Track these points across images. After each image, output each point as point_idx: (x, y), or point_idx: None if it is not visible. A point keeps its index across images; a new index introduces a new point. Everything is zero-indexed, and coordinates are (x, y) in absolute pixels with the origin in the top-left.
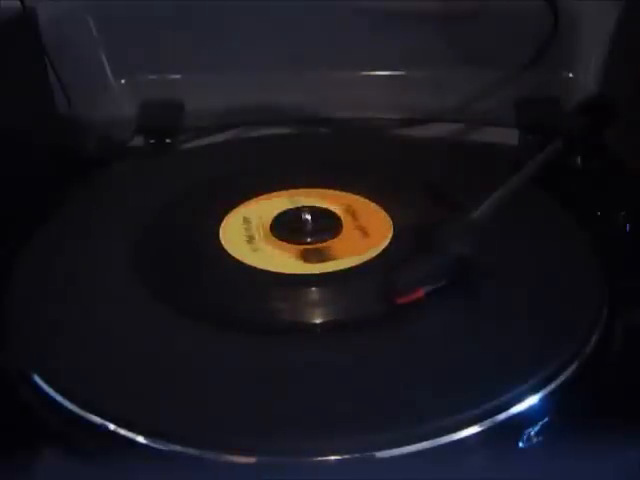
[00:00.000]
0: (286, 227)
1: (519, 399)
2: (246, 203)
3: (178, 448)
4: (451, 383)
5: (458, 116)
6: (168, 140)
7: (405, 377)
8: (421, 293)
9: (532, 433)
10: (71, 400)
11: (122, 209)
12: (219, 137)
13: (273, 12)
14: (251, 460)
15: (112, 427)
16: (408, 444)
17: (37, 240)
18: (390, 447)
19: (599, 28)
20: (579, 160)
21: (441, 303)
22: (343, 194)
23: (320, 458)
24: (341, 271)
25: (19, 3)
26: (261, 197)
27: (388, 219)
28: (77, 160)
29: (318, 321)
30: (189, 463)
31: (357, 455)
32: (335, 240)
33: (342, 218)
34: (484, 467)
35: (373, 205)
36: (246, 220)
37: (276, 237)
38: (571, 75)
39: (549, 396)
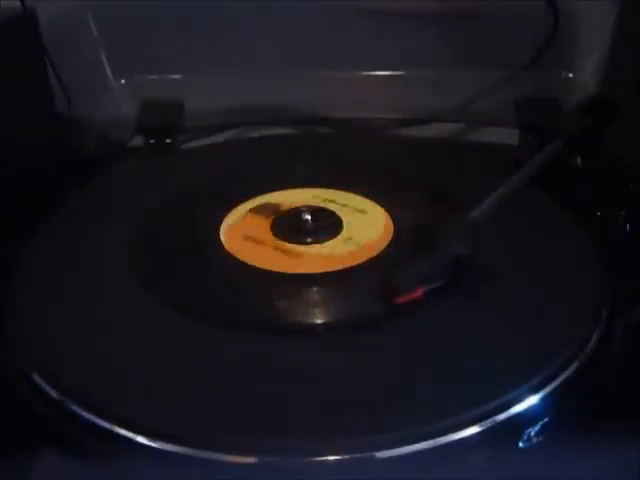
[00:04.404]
0: (286, 227)
1: (519, 399)
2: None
3: (178, 448)
4: (451, 383)
5: (458, 116)
6: (168, 140)
7: (405, 377)
8: (421, 293)
9: (532, 433)
10: (71, 400)
11: (122, 209)
12: (219, 137)
13: (273, 12)
14: (251, 460)
15: (112, 427)
16: (408, 444)
17: (37, 240)
18: (390, 447)
19: (599, 28)
20: (579, 160)
21: (441, 303)
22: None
23: (320, 458)
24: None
25: (19, 3)
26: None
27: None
28: (77, 160)
29: (318, 321)
30: (189, 463)
31: (357, 455)
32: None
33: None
34: (484, 467)
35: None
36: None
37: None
38: (571, 75)
39: (549, 396)
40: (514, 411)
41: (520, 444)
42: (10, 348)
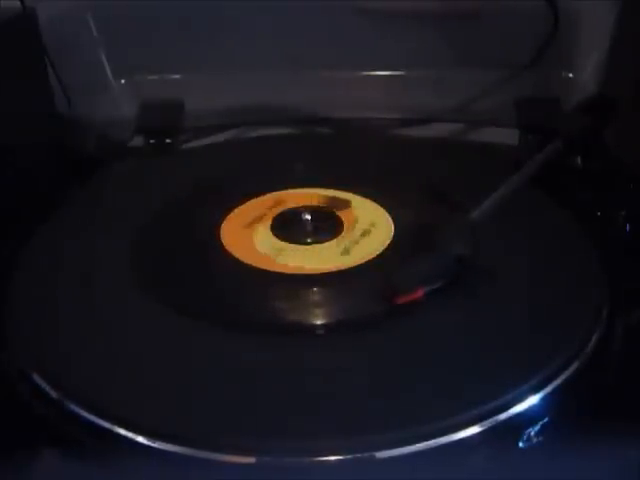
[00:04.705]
0: (286, 227)
1: (519, 399)
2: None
3: (178, 448)
4: (451, 383)
5: (458, 116)
6: (168, 140)
7: (405, 377)
8: (421, 293)
9: (532, 433)
10: (71, 400)
11: (122, 209)
12: (219, 137)
13: (273, 12)
14: (251, 460)
15: (112, 427)
16: (408, 444)
17: (37, 240)
18: (390, 447)
19: (599, 28)
20: (579, 160)
21: (441, 303)
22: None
23: (320, 458)
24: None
25: (19, 3)
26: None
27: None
28: (77, 160)
29: (318, 321)
30: (189, 463)
31: (357, 455)
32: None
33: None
34: (484, 467)
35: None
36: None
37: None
38: (571, 75)
39: (549, 396)
40: (514, 411)
41: (520, 444)
42: (10, 348)
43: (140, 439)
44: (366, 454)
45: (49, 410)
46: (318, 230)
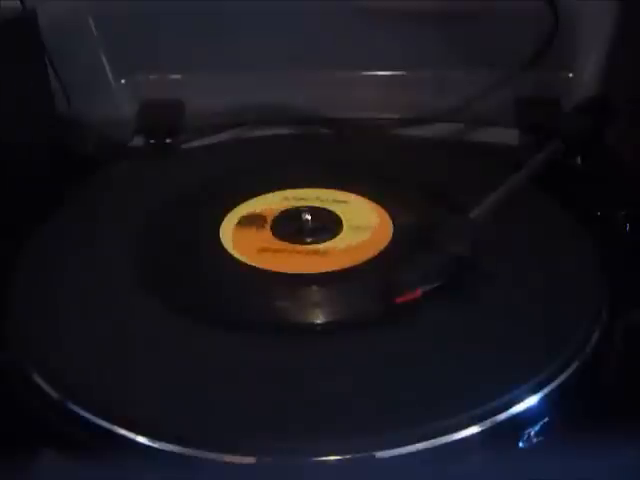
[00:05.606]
0: (286, 227)
1: (519, 399)
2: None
3: (178, 448)
4: (451, 383)
5: (458, 116)
6: (168, 140)
7: (405, 377)
8: (420, 293)
9: (532, 433)
10: (71, 400)
11: (122, 209)
12: (219, 137)
13: (273, 12)
14: (251, 460)
15: (112, 427)
16: (408, 444)
17: (37, 240)
18: (390, 447)
19: (599, 28)
20: (579, 160)
21: (441, 303)
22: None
23: (320, 458)
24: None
25: (19, 3)
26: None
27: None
28: (77, 160)
29: (317, 321)
30: (189, 463)
31: (357, 455)
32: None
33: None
34: (484, 467)
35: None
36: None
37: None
38: (571, 75)
39: (549, 396)
40: (514, 411)
41: (520, 444)
42: (10, 348)
43: (140, 439)
44: (366, 454)
45: (49, 410)
46: (318, 230)
